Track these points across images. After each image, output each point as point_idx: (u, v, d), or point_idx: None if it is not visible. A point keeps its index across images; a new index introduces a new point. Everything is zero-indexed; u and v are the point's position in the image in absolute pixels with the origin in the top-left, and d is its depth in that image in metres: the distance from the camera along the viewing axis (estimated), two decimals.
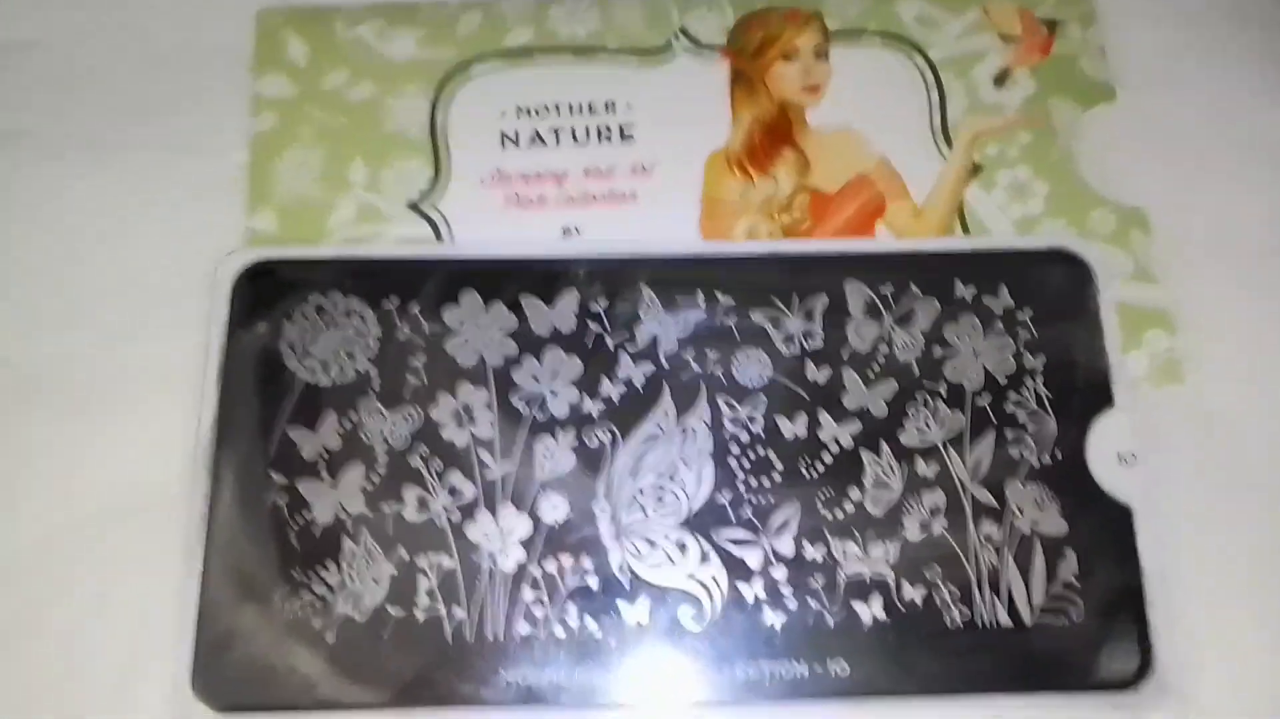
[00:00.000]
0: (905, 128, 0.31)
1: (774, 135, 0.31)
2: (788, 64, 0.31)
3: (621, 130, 0.31)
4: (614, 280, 0.29)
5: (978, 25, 0.32)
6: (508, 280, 0.29)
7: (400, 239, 0.30)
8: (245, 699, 0.26)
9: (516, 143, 0.31)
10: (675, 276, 0.29)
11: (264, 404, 0.28)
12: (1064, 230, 0.31)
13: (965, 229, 0.30)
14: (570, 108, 0.31)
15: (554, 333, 0.29)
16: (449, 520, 0.27)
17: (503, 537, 0.27)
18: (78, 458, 0.28)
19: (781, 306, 0.29)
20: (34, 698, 0.27)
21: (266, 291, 0.28)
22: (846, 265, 0.29)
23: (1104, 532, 0.27)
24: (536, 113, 0.31)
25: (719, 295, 0.28)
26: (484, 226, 0.30)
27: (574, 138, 0.31)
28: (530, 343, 0.29)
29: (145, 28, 0.33)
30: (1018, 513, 0.27)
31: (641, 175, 0.31)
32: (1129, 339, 0.29)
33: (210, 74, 0.32)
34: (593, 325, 0.29)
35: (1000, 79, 0.32)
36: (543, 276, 0.29)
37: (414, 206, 0.30)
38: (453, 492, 0.28)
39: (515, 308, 0.29)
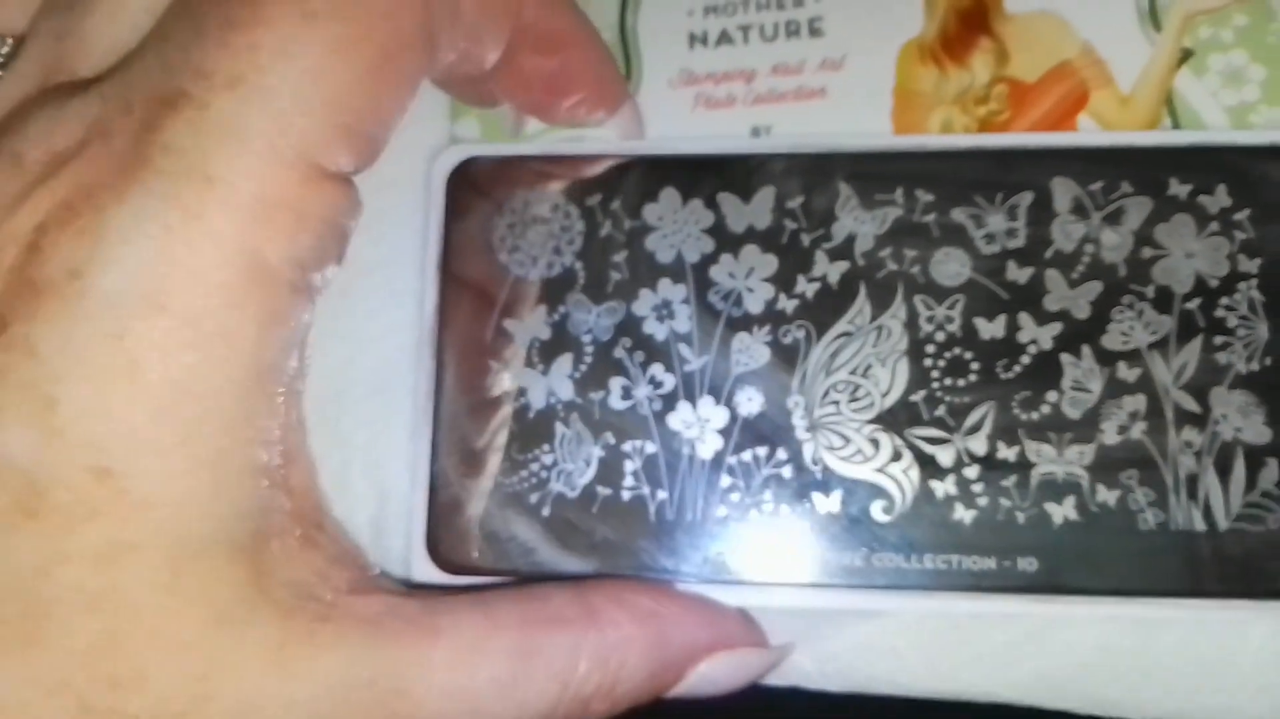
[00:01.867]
0: (1111, 11, 0.29)
1: (970, 23, 0.30)
2: None
3: (810, 24, 0.31)
4: (811, 176, 0.29)
5: None
6: (705, 176, 0.30)
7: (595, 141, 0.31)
8: (472, 563, 0.29)
9: (705, 42, 0.30)
10: (873, 172, 0.29)
11: (479, 295, 0.29)
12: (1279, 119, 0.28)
13: (1175, 119, 0.29)
14: (758, 4, 0.31)
15: (750, 229, 0.29)
16: (651, 409, 0.29)
17: (701, 425, 0.29)
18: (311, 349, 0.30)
19: (983, 203, 0.28)
20: None
21: (477, 188, 0.30)
22: (1053, 160, 0.28)
23: None
24: (725, 10, 0.31)
25: (918, 192, 0.28)
26: (674, 128, 0.31)
27: (762, 35, 0.30)
28: (727, 239, 0.29)
29: None
30: (1221, 419, 0.27)
31: (831, 70, 0.30)
32: None
33: None
34: (789, 222, 0.29)
35: None
36: (740, 172, 0.29)
37: None
38: (654, 382, 0.29)
39: (712, 204, 0.29)
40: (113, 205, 0.21)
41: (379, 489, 0.30)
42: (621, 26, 0.31)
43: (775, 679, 0.28)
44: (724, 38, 0.30)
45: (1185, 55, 0.29)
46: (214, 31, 0.22)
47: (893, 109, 0.30)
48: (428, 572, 0.29)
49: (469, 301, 0.30)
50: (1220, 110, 0.29)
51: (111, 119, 0.22)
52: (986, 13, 0.30)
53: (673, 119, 0.30)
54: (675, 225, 0.29)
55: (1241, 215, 0.27)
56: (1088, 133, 0.29)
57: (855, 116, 0.30)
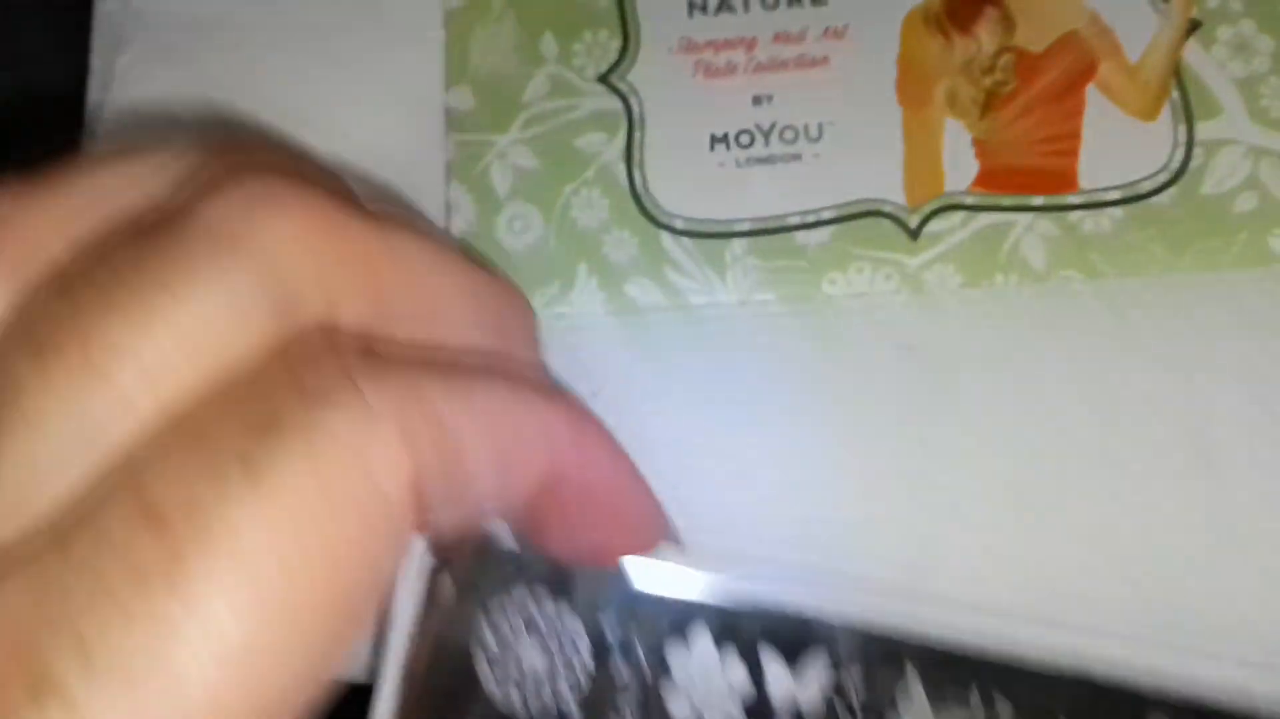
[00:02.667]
0: None
1: None
2: None
3: None
4: (873, 649, 0.24)
5: None
6: (747, 624, 0.24)
7: (593, 113, 0.29)
8: None
9: (704, 9, 0.30)
10: (948, 664, 0.24)
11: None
12: None
13: (1183, 90, 0.28)
14: None
15: (792, 703, 0.24)
16: None
17: None
18: None
19: None
20: None
21: (464, 576, 0.24)
22: (1155, 698, 0.23)
23: None
24: None
25: (997, 699, 0.24)
26: (674, 96, 0.29)
27: (763, 2, 0.29)
28: (763, 711, 0.24)
29: None
30: None
31: (834, 38, 0.29)
32: None
33: None
34: (840, 703, 0.24)
35: None
36: (790, 626, 0.24)
37: (603, 79, 0.30)
38: None
39: (751, 660, 0.24)
40: None
41: None
42: None
43: None
44: (724, 5, 0.30)
45: (1193, 26, 0.28)
46: (121, 554, 0.17)
47: (897, 78, 0.29)
48: None
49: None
50: (1229, 82, 0.28)
51: None
52: None
53: (674, 89, 0.29)
54: (703, 681, 0.24)
55: None
56: (1196, 670, 0.24)
57: (859, 86, 0.29)
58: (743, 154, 0.28)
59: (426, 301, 0.21)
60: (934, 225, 0.27)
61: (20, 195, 0.20)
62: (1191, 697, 0.23)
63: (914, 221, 0.27)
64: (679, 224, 0.28)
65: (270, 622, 0.17)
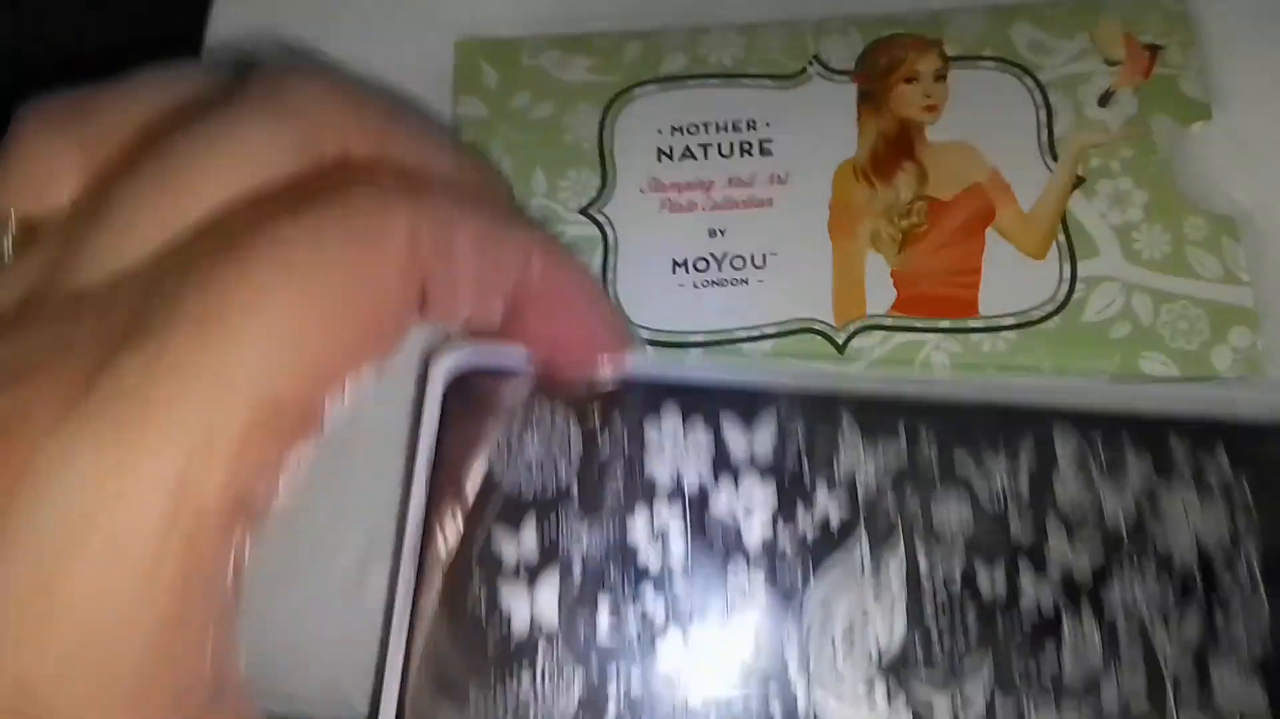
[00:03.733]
0: (1015, 143, 0.34)
1: (896, 149, 0.34)
2: (910, 86, 0.35)
3: (761, 145, 0.34)
4: (815, 409, 0.29)
5: (1085, 50, 0.35)
6: (708, 403, 0.29)
7: (575, 238, 0.34)
8: None
9: (671, 156, 0.35)
10: (879, 410, 0.29)
11: (468, 508, 0.29)
12: (1159, 236, 0.32)
13: (1068, 234, 0.33)
14: (717, 126, 0.35)
15: (751, 459, 0.29)
16: (639, 641, 0.29)
17: (691, 661, 0.28)
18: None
19: (987, 453, 0.28)
20: None
21: (476, 397, 0.29)
22: (1059, 415, 0.29)
23: None
24: (688, 130, 0.35)
25: (923, 435, 0.28)
26: (643, 228, 0.34)
27: (720, 152, 0.34)
28: (728, 469, 0.29)
29: (355, 55, 0.36)
30: (1219, 688, 0.27)
31: (778, 184, 0.34)
32: (1215, 336, 0.31)
33: (416, 95, 0.35)
34: (791, 455, 0.29)
35: (1104, 99, 0.34)
36: (743, 401, 0.29)
37: (584, 211, 0.34)
38: (644, 613, 0.29)
39: (715, 431, 0.29)
40: (47, 432, 0.20)
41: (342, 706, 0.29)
42: (600, 140, 0.35)
43: None
44: (687, 153, 0.34)
45: (1078, 181, 0.33)
46: (197, 272, 0.22)
47: (829, 218, 0.33)
48: None
49: (456, 515, 0.29)
50: (1108, 228, 0.33)
51: (74, 344, 0.22)
52: (911, 140, 0.34)
53: (643, 220, 0.34)
54: (676, 450, 0.28)
55: (1244, 482, 0.27)
56: (1091, 386, 0.30)
57: (798, 223, 0.33)
58: (699, 277, 0.33)
59: (421, 154, 0.27)
60: (858, 342, 0.32)
61: (96, 91, 0.25)
62: (1087, 408, 0.30)
63: (841, 338, 0.32)
64: (644, 334, 0.32)
65: (313, 317, 0.26)
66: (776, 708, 0.28)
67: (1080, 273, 0.32)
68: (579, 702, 0.27)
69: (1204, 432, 0.28)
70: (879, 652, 0.27)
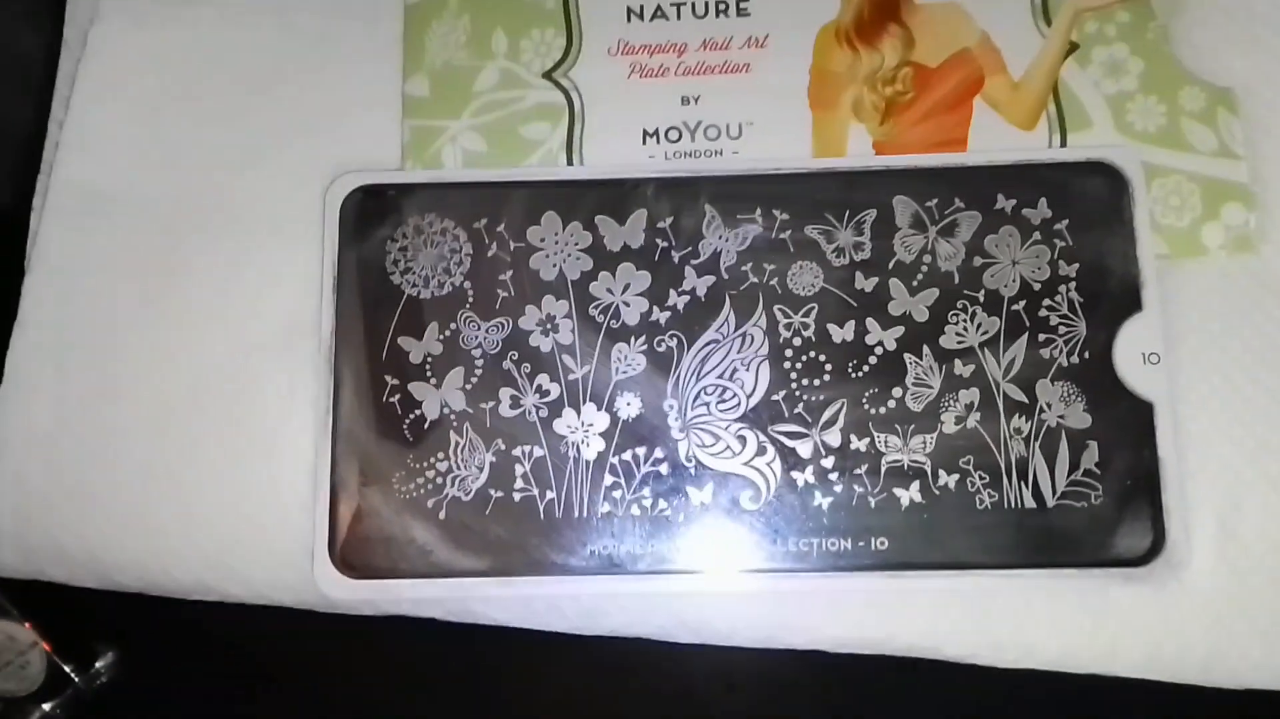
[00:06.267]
0: (1007, 5, 0.32)
1: (882, 10, 0.33)
2: None
3: (738, 5, 0.33)
4: (679, 199, 0.32)
5: None
6: (583, 200, 0.32)
7: (538, 105, 0.33)
8: (374, 567, 0.31)
9: (641, 16, 0.32)
10: (734, 194, 0.32)
11: (374, 315, 0.32)
12: (1154, 108, 0.32)
13: (1059, 106, 0.32)
14: None
15: (625, 248, 0.32)
16: (538, 416, 0.32)
17: (585, 429, 0.31)
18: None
19: (833, 221, 0.31)
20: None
21: (370, 214, 0.32)
22: (894, 180, 0.31)
23: (1125, 425, 0.30)
24: None
25: (775, 211, 0.31)
26: (611, 96, 0.32)
27: (694, 12, 0.32)
28: (604, 258, 0.32)
29: None
30: (1046, 408, 0.30)
31: (756, 48, 0.32)
32: (1208, 211, 0.31)
33: None
34: (660, 241, 0.32)
35: None
36: (614, 196, 0.32)
37: (548, 75, 0.32)
38: (540, 391, 0.32)
39: (590, 226, 0.32)
40: None
41: (279, 503, 0.32)
42: None
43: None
44: (659, 13, 0.32)
45: (1071, 48, 0.31)
46: None
47: (809, 85, 0.32)
48: (333, 577, 0.31)
49: (365, 321, 0.32)
50: (1101, 98, 0.32)
51: None
52: (897, 2, 0.32)
53: (610, 87, 0.32)
54: (557, 246, 0.32)
55: (1061, 225, 0.31)
56: (922, 156, 0.32)
57: (776, 91, 0.32)
58: (671, 148, 0.32)
59: None
60: None
61: None
62: (923, 174, 0.33)
63: None
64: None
65: None
66: (662, 460, 0.31)
67: (1071, 145, 0.31)
68: (488, 473, 0.31)
69: (1026, 184, 0.31)
70: (747, 403, 0.31)
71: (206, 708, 0.34)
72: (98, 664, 0.34)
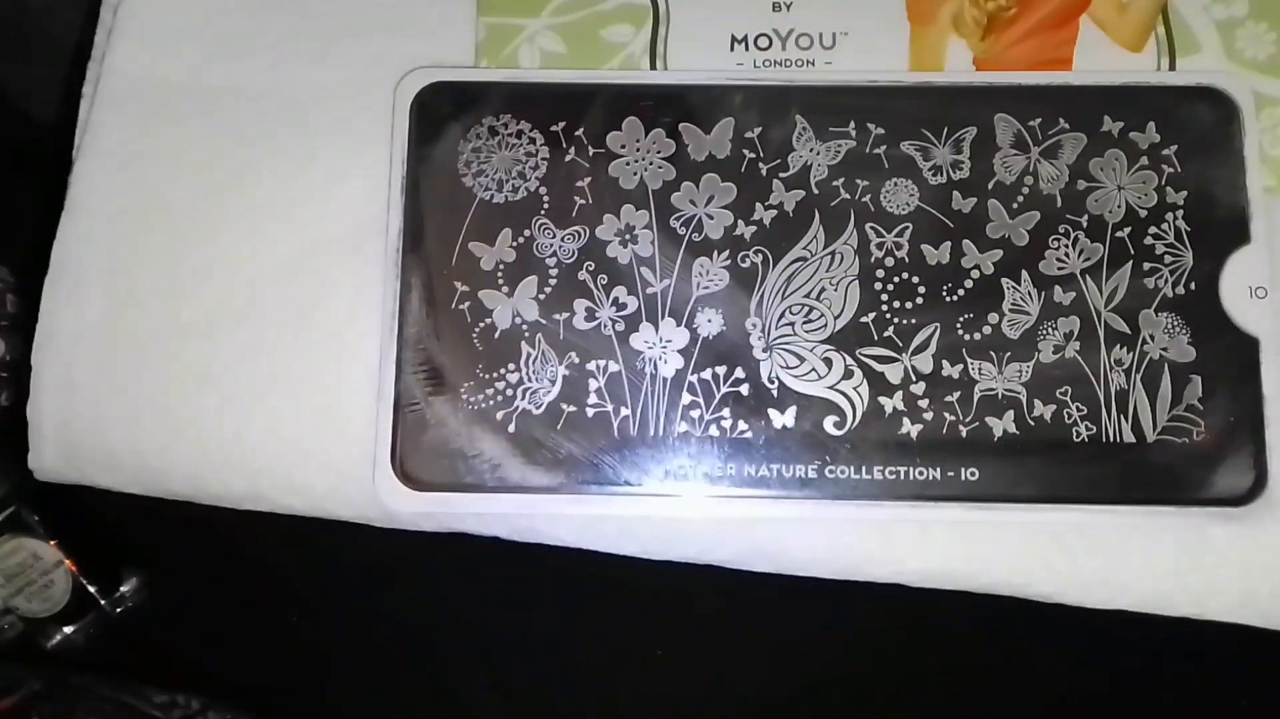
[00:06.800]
0: None
1: None
2: None
3: None
4: (768, 109, 0.30)
5: None
6: (667, 107, 0.31)
7: (621, 6, 0.32)
8: (438, 480, 0.30)
9: None
10: (827, 105, 0.31)
11: (444, 218, 0.31)
12: (1264, 36, 0.31)
13: (1168, 28, 0.31)
14: None
15: (710, 158, 0.31)
16: (614, 330, 0.30)
17: (663, 345, 0.30)
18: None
19: (931, 138, 0.30)
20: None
21: (443, 112, 0.31)
22: (996, 98, 0.30)
23: (1230, 360, 0.29)
24: None
25: (870, 126, 0.30)
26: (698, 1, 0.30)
27: None
28: (688, 168, 0.30)
29: None
30: (1149, 340, 0.29)
31: None
32: None
33: None
34: (747, 152, 0.30)
35: None
36: (701, 103, 0.31)
37: None
38: (617, 304, 0.30)
39: (674, 134, 0.31)
40: None
41: (343, 414, 0.31)
42: None
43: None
44: None
45: None
46: None
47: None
48: (396, 489, 0.30)
49: (434, 224, 0.31)
50: (1210, 23, 0.31)
51: None
52: None
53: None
54: (638, 153, 0.30)
55: (1169, 151, 0.29)
56: (1027, 74, 0.31)
57: (872, 3, 0.31)
58: (760, 56, 0.31)
59: None
60: None
61: None
62: (1026, 93, 0.32)
63: None
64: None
65: None
66: (742, 380, 0.30)
67: (1180, 70, 0.30)
68: (561, 387, 0.29)
69: (1134, 107, 0.29)
70: (835, 325, 0.29)
71: (237, 635, 0.33)
72: (123, 588, 0.33)
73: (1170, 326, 0.29)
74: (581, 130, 0.31)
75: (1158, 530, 0.29)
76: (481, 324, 0.30)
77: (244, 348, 0.31)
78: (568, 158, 0.31)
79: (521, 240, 0.31)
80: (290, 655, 0.32)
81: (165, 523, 0.31)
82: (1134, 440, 0.29)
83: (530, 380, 0.30)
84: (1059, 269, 0.29)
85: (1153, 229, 0.30)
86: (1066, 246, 0.29)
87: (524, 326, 0.30)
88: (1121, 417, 0.29)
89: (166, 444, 0.30)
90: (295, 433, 0.30)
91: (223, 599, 0.32)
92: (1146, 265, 0.30)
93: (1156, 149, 0.30)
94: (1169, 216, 0.30)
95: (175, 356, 0.31)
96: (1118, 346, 0.29)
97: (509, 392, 0.30)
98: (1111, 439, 0.29)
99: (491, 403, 0.30)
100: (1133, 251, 0.30)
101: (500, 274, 0.31)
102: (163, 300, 0.31)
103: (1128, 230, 0.30)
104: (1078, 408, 0.29)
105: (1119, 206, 0.30)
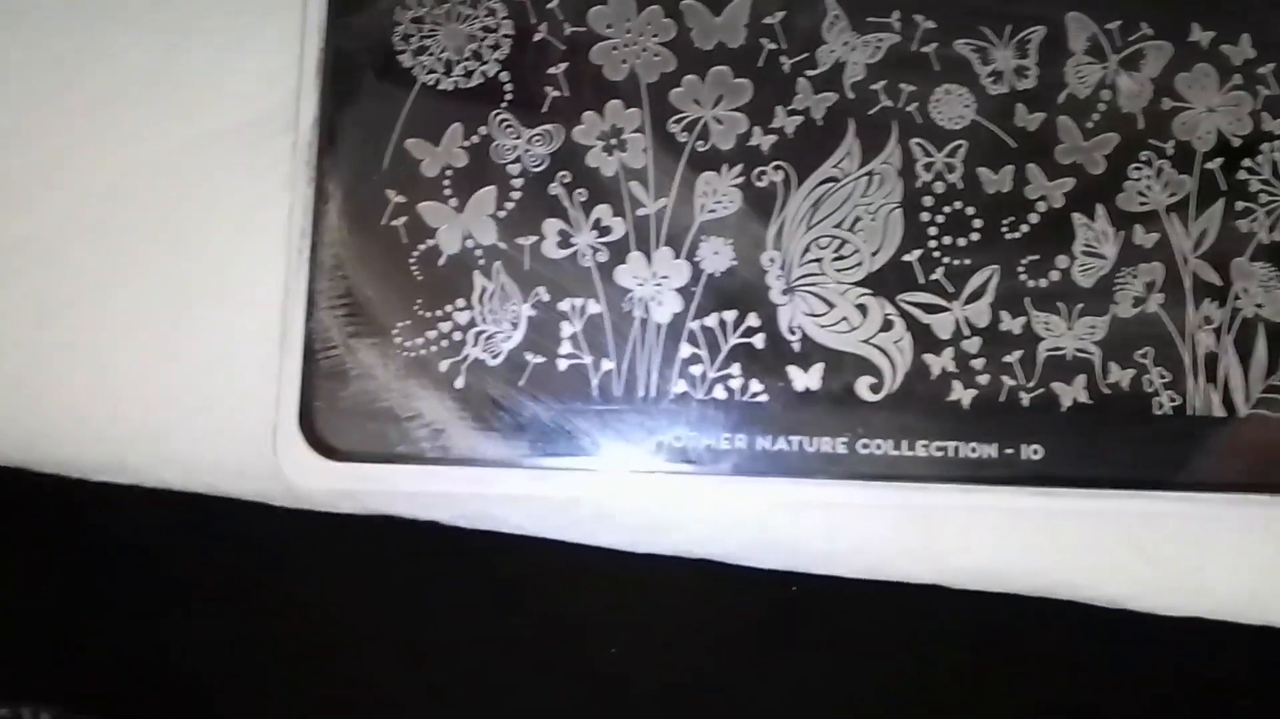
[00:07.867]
0: None
1: None
2: None
3: None
4: None
5: None
6: None
7: None
8: (359, 446, 0.24)
9: None
10: None
11: (374, 107, 0.24)
12: None
13: None
14: None
15: (720, 47, 0.25)
16: (595, 260, 0.24)
17: (657, 283, 0.24)
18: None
19: (991, 36, 0.25)
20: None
21: None
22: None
23: None
24: None
25: (917, 18, 0.25)
26: None
27: None
28: (692, 58, 0.25)
29: None
30: (1242, 293, 0.25)
31: None
32: None
33: None
34: (766, 42, 0.25)
35: None
36: None
37: None
38: (599, 227, 0.25)
39: (675, 13, 0.25)
40: None
41: (233, 352, 0.24)
42: None
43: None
44: None
45: None
46: None
47: None
48: (303, 459, 0.23)
49: (359, 116, 0.24)
50: None
51: None
52: None
53: None
54: (629, 35, 0.25)
55: (1265, 70, 0.25)
56: None
57: None
58: None
59: None
60: None
61: None
62: None
63: None
64: None
65: None
66: (757, 329, 0.24)
67: None
68: (525, 332, 0.22)
69: (1227, 15, 0.25)
70: (871, 263, 0.25)
71: (96, 638, 0.26)
72: None
73: (1266, 279, 0.25)
74: (556, 2, 0.25)
75: (1250, 523, 0.25)
76: (421, 247, 0.24)
77: (98, 273, 0.25)
78: (537, 36, 0.25)
79: (476, 140, 0.24)
80: (164, 664, 0.27)
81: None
82: (1224, 414, 0.24)
83: (485, 322, 0.24)
84: (1140, 205, 0.25)
85: (1247, 161, 0.25)
86: (1149, 178, 0.24)
87: (478, 252, 0.24)
88: (1210, 385, 0.24)
89: None
90: (169, 385, 0.24)
91: (74, 596, 0.26)
92: (1240, 205, 0.25)
93: (1251, 66, 0.26)
94: (1265, 148, 0.25)
95: (11, 287, 0.25)
96: (1207, 301, 0.25)
97: (456, 335, 0.24)
98: (1198, 411, 0.24)
99: (433, 349, 0.24)
100: (1224, 188, 0.25)
101: (447, 183, 0.24)
102: None
103: (1219, 162, 0.25)
104: (1160, 374, 0.24)
105: (1209, 133, 0.25)
